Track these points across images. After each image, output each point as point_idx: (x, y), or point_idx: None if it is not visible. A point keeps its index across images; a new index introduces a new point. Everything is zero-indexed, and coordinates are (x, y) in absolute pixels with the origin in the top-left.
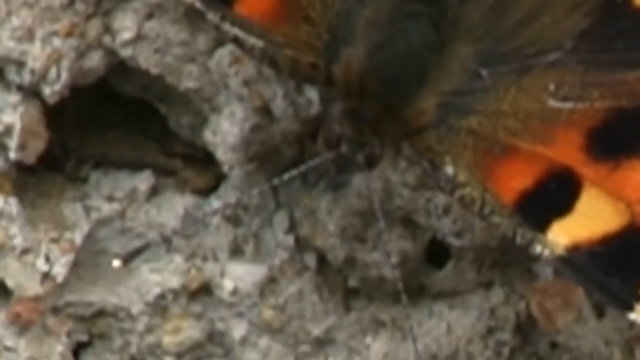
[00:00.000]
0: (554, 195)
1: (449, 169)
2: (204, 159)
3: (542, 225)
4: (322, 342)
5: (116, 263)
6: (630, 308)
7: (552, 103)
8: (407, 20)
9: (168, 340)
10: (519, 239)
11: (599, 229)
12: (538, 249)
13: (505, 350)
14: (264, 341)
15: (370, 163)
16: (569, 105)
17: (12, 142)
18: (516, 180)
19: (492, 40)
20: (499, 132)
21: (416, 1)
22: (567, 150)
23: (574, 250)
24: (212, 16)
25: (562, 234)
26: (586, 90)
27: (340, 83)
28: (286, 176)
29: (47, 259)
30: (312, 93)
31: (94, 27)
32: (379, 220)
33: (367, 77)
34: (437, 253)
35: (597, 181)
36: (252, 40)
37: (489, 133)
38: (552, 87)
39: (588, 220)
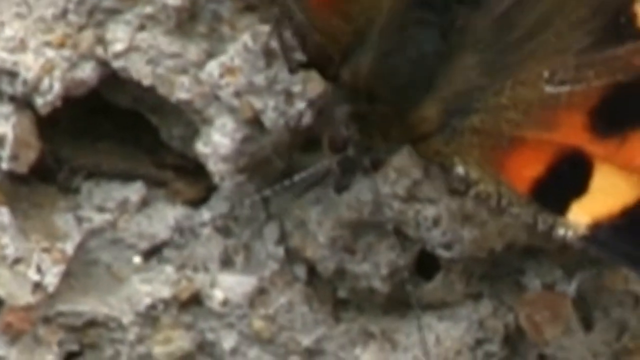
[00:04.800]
0: (568, 177)
1: (460, 169)
2: (195, 170)
3: (561, 208)
4: (312, 353)
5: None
6: None
7: (549, 89)
8: (417, 28)
9: (159, 351)
10: (540, 226)
11: (616, 203)
12: (561, 232)
13: None
14: (254, 352)
15: (376, 167)
16: (566, 88)
17: (5, 152)
18: (528, 169)
19: (496, 52)
20: (502, 125)
21: (426, 9)
22: (573, 132)
23: (596, 227)
24: None
25: (582, 214)
26: (580, 72)
27: (347, 85)
28: (278, 187)
29: (39, 269)
30: (302, 104)
31: (87, 38)
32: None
33: (375, 82)
34: (426, 265)
35: (608, 157)
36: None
37: (492, 128)
38: (546, 74)
39: (605, 196)
